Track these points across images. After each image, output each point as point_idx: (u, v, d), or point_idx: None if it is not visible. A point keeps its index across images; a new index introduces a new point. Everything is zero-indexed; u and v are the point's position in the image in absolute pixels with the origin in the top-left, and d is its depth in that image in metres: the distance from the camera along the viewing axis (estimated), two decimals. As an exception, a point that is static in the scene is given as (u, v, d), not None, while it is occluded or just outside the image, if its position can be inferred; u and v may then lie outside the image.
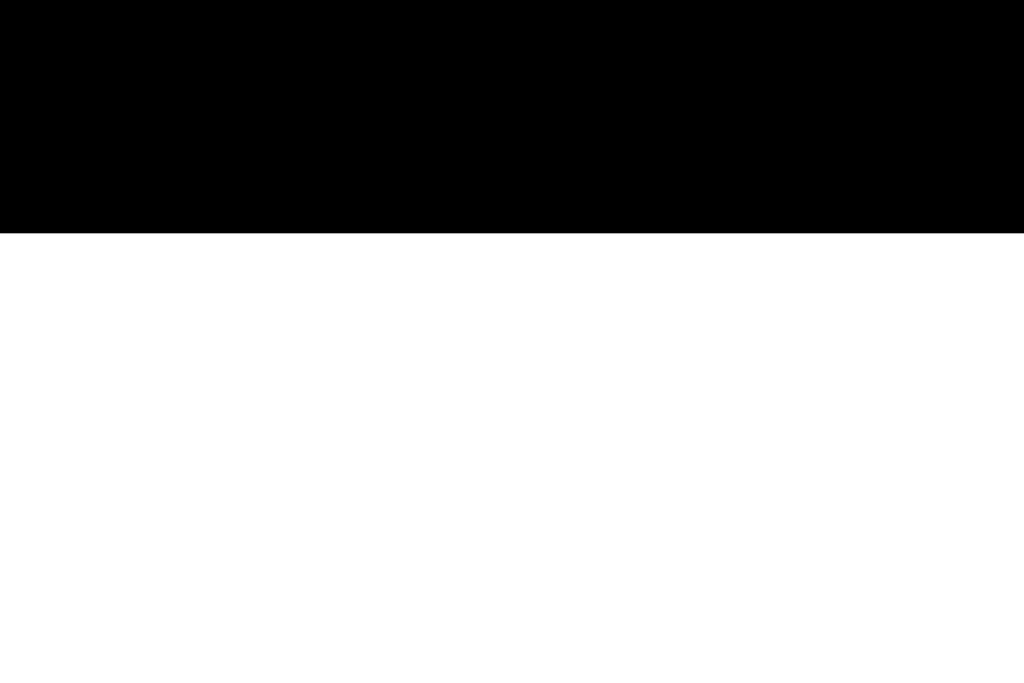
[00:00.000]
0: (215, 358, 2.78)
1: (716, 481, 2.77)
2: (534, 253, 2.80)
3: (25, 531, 2.73)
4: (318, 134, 2.75)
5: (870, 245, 2.79)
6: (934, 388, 2.77)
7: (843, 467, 2.76)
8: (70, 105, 2.73)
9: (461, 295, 2.80)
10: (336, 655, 2.74)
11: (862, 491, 2.76)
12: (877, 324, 2.78)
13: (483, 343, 2.79)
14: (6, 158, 2.72)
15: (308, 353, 2.78)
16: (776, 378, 2.78)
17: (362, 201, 2.77)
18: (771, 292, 2.79)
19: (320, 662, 2.74)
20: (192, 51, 2.72)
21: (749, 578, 2.75)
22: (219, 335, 2.78)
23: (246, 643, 2.74)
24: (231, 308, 2.79)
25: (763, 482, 2.76)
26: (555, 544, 2.77)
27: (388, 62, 2.74)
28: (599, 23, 2.72)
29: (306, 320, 2.79)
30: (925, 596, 2.74)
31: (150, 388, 2.77)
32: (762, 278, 2.79)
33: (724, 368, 2.78)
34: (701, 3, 2.70)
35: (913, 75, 2.73)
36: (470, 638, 2.74)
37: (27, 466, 2.75)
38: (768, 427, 2.77)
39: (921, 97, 2.73)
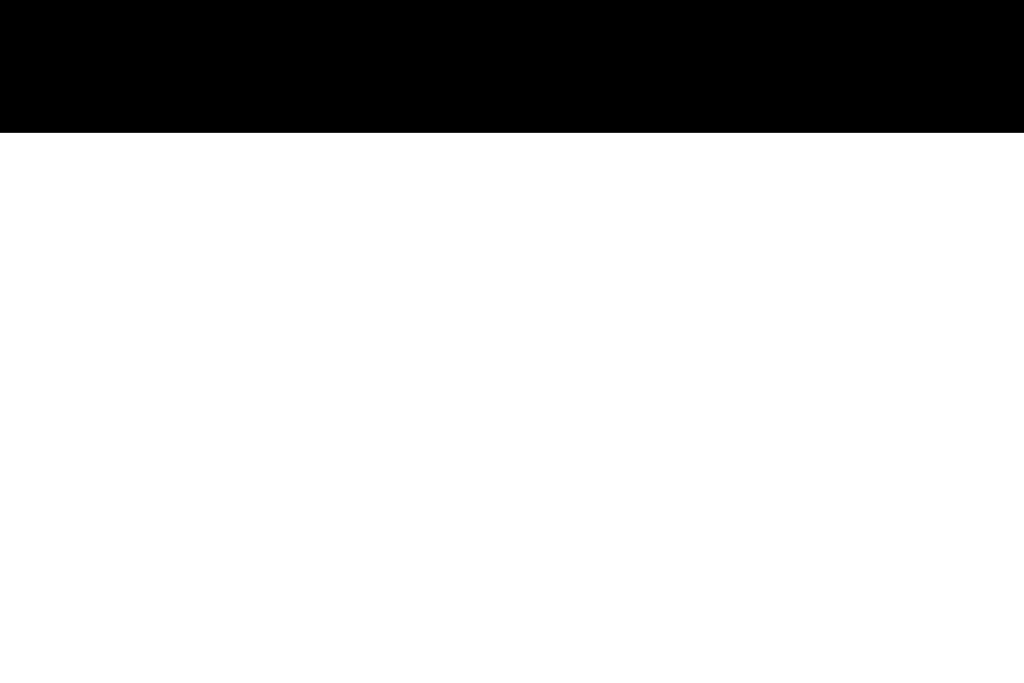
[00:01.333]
0: (210, 261, 2.78)
1: (709, 396, 2.78)
2: (533, 153, 2.80)
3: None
4: (313, 34, 2.74)
5: (869, 145, 2.78)
6: (930, 289, 2.78)
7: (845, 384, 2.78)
8: (69, 8, 2.72)
9: (458, 195, 2.80)
10: (335, 654, 2.74)
11: (858, 399, 2.77)
12: (878, 224, 2.78)
13: (480, 243, 2.79)
14: (3, 58, 2.72)
15: (302, 256, 2.79)
16: (771, 283, 2.78)
17: (358, 100, 2.76)
18: (769, 192, 2.79)
19: (319, 661, 2.74)
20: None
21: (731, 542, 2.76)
22: (217, 234, 2.79)
23: (243, 641, 2.73)
24: (228, 208, 2.79)
25: (759, 394, 2.78)
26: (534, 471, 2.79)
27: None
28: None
29: (301, 220, 2.79)
30: (917, 575, 2.74)
31: (146, 294, 2.79)
32: (761, 178, 2.79)
33: (720, 271, 2.78)
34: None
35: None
36: (470, 636, 2.74)
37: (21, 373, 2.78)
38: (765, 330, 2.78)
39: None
